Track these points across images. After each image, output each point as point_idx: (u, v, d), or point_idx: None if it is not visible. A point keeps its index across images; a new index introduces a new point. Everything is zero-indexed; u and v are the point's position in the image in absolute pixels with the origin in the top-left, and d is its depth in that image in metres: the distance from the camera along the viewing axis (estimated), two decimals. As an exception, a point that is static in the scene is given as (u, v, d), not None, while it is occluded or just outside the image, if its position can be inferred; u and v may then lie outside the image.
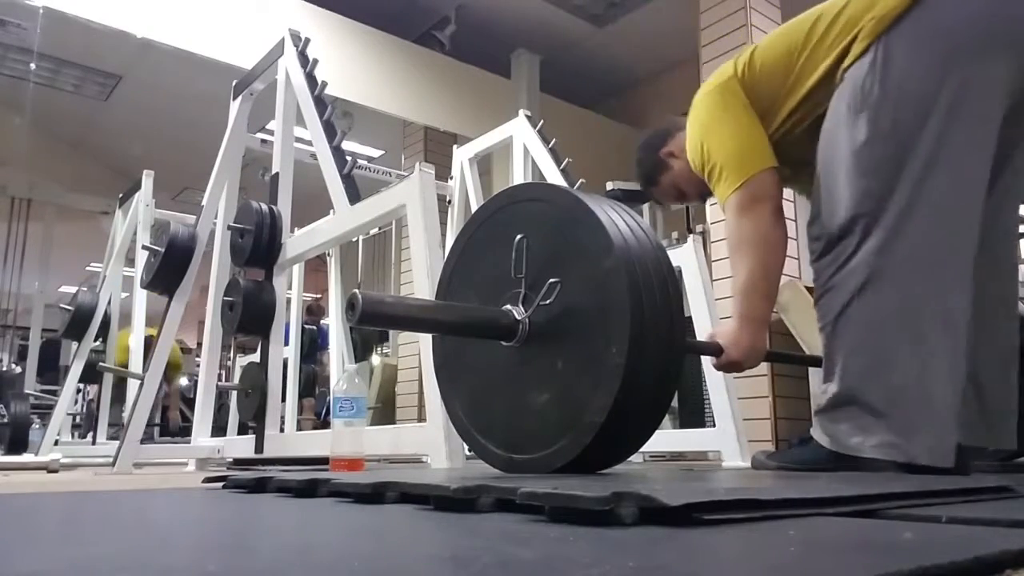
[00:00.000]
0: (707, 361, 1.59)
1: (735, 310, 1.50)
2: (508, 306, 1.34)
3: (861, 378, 1.33)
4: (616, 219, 1.26)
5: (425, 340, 1.72)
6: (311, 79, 2.79)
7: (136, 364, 4.26)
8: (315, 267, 5.50)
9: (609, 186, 4.79)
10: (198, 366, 3.73)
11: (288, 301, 4.21)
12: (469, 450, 1.50)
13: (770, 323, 3.38)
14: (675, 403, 3.87)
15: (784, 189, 1.58)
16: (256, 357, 3.12)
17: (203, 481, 1.45)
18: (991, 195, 1.33)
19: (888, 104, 1.32)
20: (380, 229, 6.62)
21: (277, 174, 2.91)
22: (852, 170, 1.35)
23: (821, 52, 1.44)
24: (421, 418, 4.68)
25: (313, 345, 6.34)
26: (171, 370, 5.83)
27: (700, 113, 1.59)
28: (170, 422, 5.96)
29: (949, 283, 1.27)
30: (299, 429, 4.72)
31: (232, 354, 6.83)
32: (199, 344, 5.81)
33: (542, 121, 3.91)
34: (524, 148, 3.89)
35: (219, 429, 4.25)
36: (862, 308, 1.33)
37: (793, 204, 3.60)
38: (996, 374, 1.41)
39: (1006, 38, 1.30)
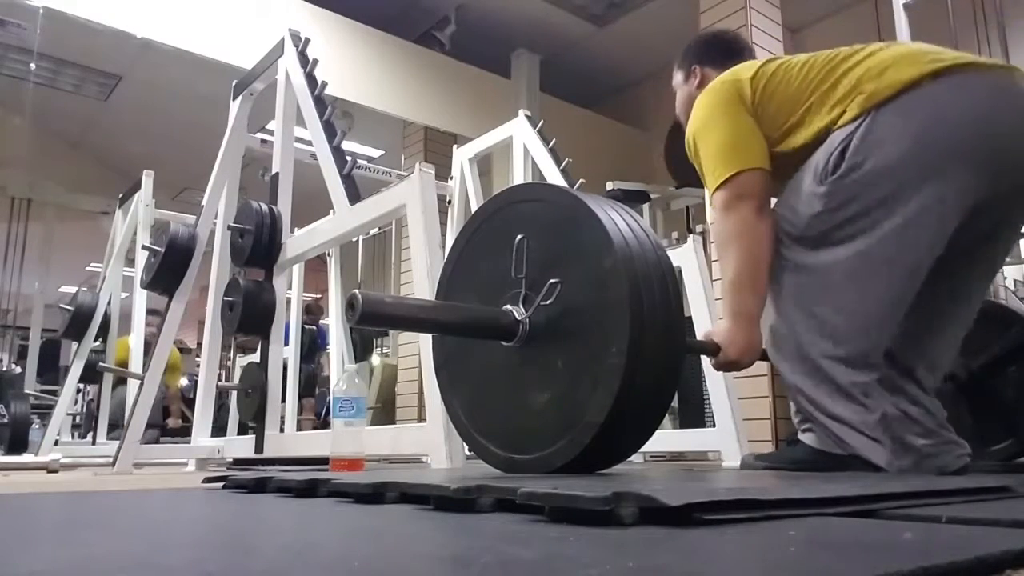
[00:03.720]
0: (707, 361, 1.59)
1: (726, 308, 1.49)
2: (508, 306, 1.34)
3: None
4: (616, 219, 1.26)
5: (425, 340, 1.72)
6: (311, 79, 2.79)
7: (136, 364, 4.26)
8: (315, 267, 5.50)
9: (609, 186, 4.80)
10: (198, 366, 3.72)
11: (288, 301, 4.21)
12: (469, 450, 1.50)
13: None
14: (675, 403, 3.87)
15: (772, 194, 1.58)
16: (256, 357, 3.12)
17: (203, 481, 1.45)
18: (934, 286, 1.35)
19: (853, 176, 1.34)
20: (380, 229, 6.62)
21: (277, 174, 2.91)
22: (803, 227, 1.41)
23: (824, 108, 1.43)
24: (421, 418, 4.68)
25: (313, 345, 6.33)
26: (168, 372, 5.79)
27: (702, 105, 1.58)
28: (167, 426, 5.90)
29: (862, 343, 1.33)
30: (299, 429, 4.72)
31: (232, 354, 6.82)
32: (199, 344, 5.78)
33: (542, 121, 3.91)
34: (524, 148, 3.89)
35: (219, 429, 4.25)
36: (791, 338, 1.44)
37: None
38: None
39: (984, 149, 1.31)
